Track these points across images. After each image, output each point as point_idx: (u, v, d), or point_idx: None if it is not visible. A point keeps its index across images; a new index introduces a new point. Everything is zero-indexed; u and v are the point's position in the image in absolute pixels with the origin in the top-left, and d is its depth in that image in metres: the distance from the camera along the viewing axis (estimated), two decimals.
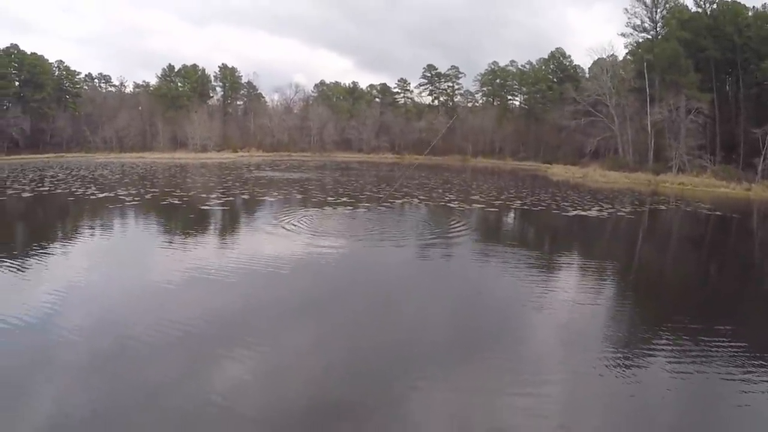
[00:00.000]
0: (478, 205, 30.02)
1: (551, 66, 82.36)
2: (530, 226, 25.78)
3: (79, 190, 37.39)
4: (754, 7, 51.32)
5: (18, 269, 15.45)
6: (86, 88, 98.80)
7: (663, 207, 31.33)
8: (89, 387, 8.24)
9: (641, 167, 48.85)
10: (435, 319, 11.69)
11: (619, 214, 27.47)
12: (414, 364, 9.24)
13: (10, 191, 36.53)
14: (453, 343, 10.23)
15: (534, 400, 7.77)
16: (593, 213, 26.97)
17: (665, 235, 24.38)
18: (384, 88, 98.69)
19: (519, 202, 32.27)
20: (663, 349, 9.48)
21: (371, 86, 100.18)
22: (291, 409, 7.85)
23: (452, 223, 24.41)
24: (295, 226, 22.87)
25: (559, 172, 54.94)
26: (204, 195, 35.00)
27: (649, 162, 49.55)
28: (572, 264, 17.28)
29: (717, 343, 9.52)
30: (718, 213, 29.28)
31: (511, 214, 28.37)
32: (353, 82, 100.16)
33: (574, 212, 27.15)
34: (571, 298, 12.77)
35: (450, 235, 21.25)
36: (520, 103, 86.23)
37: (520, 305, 12.42)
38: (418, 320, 11.61)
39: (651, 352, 9.41)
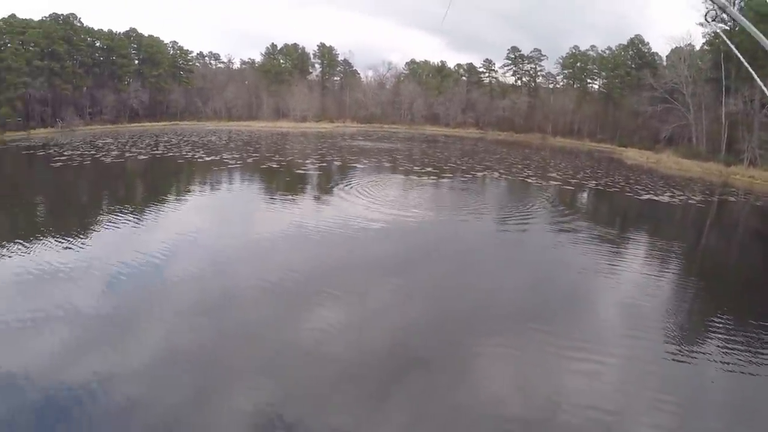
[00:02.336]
0: (555, 182, 30.79)
1: (630, 52, 79.22)
2: (603, 206, 25.89)
3: (189, 153, 40.54)
4: None
5: (135, 222, 17.50)
6: (198, 64, 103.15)
7: (732, 199, 30.56)
8: (196, 327, 9.26)
9: (713, 157, 47.51)
10: (507, 287, 12.23)
11: (689, 201, 26.63)
12: (485, 325, 9.89)
13: (128, 154, 39.84)
14: (522, 309, 10.73)
15: (593, 369, 8.18)
16: (665, 198, 26.53)
17: (733, 227, 23.47)
18: (470, 68, 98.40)
19: (594, 182, 32.30)
20: (717, 338, 9.53)
21: (458, 65, 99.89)
22: (371, 356, 8.51)
23: (529, 197, 25.15)
24: (382, 192, 23.84)
25: (633, 155, 54.08)
26: (301, 160, 37.56)
27: (722, 153, 48.19)
28: (641, 246, 17.21)
29: None
30: None
31: (586, 194, 28.52)
32: (442, 61, 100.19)
33: (647, 196, 26.79)
34: (637, 279, 13.07)
35: (526, 209, 21.71)
36: (599, 86, 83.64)
37: (588, 280, 12.93)
38: (492, 287, 12.24)
39: (706, 340, 9.56)
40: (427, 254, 14.79)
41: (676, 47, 60.85)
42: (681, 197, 27.72)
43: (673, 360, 8.58)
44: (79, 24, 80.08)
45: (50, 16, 77.08)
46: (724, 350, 9.00)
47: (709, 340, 9.55)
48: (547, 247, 16.00)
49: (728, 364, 8.53)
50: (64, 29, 76.22)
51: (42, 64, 72.07)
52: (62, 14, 78.29)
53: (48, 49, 73.51)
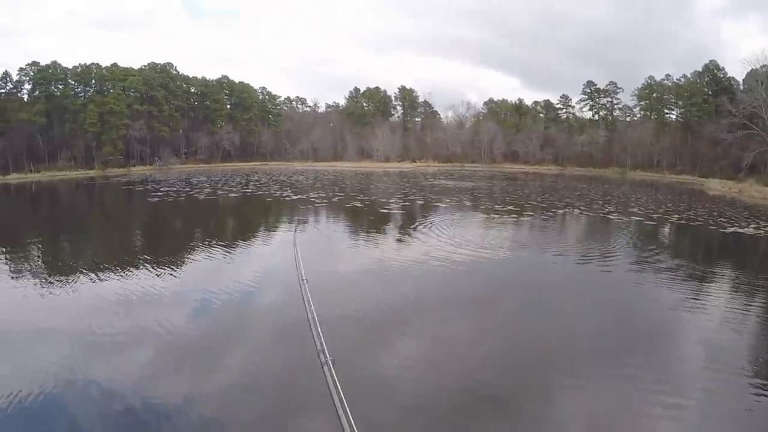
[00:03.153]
0: (637, 218, 30.14)
1: (706, 79, 77.28)
2: (687, 241, 25.49)
3: (277, 192, 43.15)
4: None
5: (224, 255, 18.90)
6: (285, 108, 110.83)
7: None
8: (276, 355, 9.64)
9: None
10: (587, 325, 11.99)
11: None
12: (563, 364, 9.59)
13: (220, 191, 42.83)
14: (602, 348, 10.58)
15: (674, 412, 7.87)
16: (750, 230, 25.89)
17: None
18: (547, 104, 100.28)
19: (676, 216, 31.46)
20: None
21: (535, 102, 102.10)
22: (446, 394, 8.40)
23: (611, 234, 25.55)
24: (463, 231, 23.96)
25: (715, 186, 52.87)
26: (384, 199, 38.77)
27: None
28: (726, 282, 16.62)
29: None
30: None
31: (668, 228, 27.96)
32: (519, 99, 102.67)
33: (732, 229, 26.26)
34: (721, 316, 12.56)
35: (608, 246, 21.65)
36: (677, 116, 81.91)
37: (669, 318, 12.53)
38: (571, 324, 11.95)
39: None
40: (507, 292, 15.01)
41: (752, 69, 59.26)
42: (767, 228, 27.08)
43: (758, 401, 8.29)
44: (175, 72, 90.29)
45: (149, 64, 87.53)
46: None
47: None
48: (629, 283, 15.82)
49: None
50: (161, 76, 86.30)
51: (141, 108, 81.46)
52: (159, 63, 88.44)
53: (147, 95, 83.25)
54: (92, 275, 15.96)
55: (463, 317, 12.65)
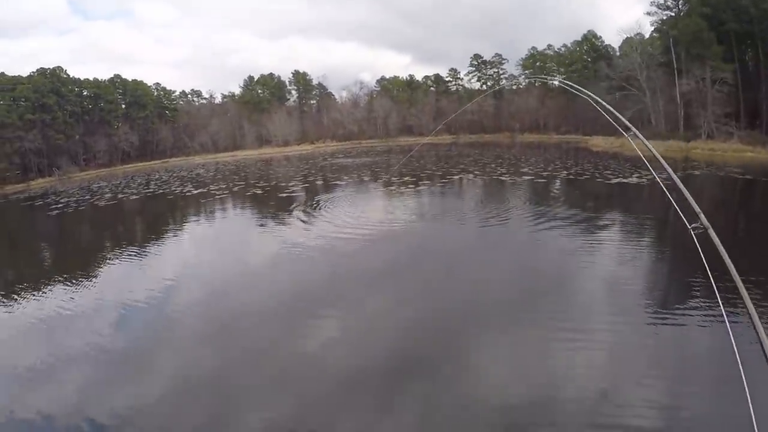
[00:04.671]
0: (528, 177, 30.68)
1: (585, 47, 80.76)
2: (576, 194, 25.65)
3: (178, 189, 40.66)
4: None
5: (136, 258, 17.97)
6: (182, 102, 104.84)
7: (697, 172, 30.27)
8: (204, 354, 9.30)
9: (673, 135, 48.54)
10: (494, 281, 12.17)
11: (656, 180, 26.34)
12: (476, 320, 9.74)
13: (120, 195, 39.90)
14: (509, 301, 10.75)
15: (584, 350, 8.13)
16: (633, 180, 26.73)
17: (698, 199, 22.95)
18: (437, 78, 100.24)
19: (565, 172, 32.42)
20: (694, 308, 9.29)
21: (426, 77, 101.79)
22: (372, 361, 8.52)
23: (505, 194, 25.11)
24: (364, 205, 23.90)
25: (598, 143, 54.75)
26: (284, 183, 37.49)
27: (680, 130, 49.59)
28: (616, 226, 17.05)
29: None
30: (748, 177, 27.58)
31: (559, 184, 28.36)
32: (410, 75, 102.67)
33: (616, 180, 27.18)
34: (615, 256, 13.11)
35: (503, 205, 21.51)
36: (559, 82, 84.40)
37: (569, 264, 12.82)
38: (482, 282, 12.05)
39: (683, 311, 9.23)
40: (413, 259, 14.74)
41: (627, 37, 62.49)
42: (648, 176, 27.55)
43: (657, 332, 8.59)
44: (65, 75, 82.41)
45: (37, 71, 79.65)
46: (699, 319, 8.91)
47: (688, 311, 9.39)
48: (529, 238, 16.09)
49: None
50: (51, 82, 78.46)
51: (34, 117, 73.96)
52: (49, 68, 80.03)
53: (38, 103, 75.45)
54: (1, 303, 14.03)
55: (377, 288, 12.50)
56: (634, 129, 3.68)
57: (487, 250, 15.18)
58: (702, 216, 2.78)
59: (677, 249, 13.59)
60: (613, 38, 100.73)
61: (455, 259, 14.37)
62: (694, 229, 2.76)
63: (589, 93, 4.51)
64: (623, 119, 3.74)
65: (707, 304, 9.21)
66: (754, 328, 2.10)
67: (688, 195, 3.01)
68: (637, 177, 27.67)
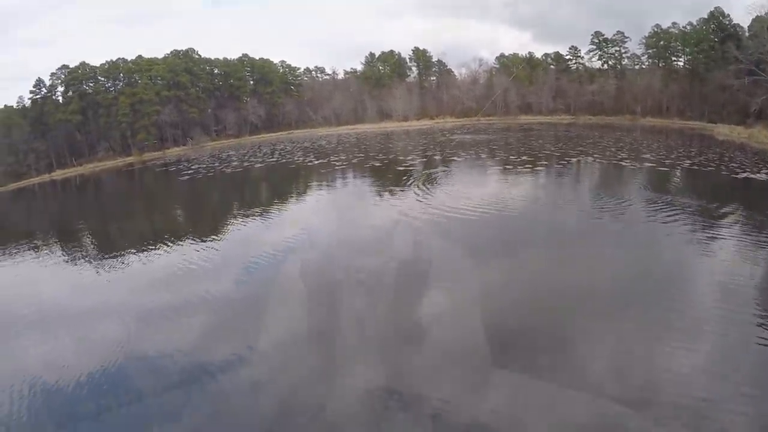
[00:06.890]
0: (649, 164, 29.46)
1: (712, 26, 74.04)
2: (701, 187, 24.31)
3: (300, 159, 43.13)
4: None
5: (259, 220, 19.29)
6: (306, 78, 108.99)
7: None
8: (315, 313, 9.57)
9: None
10: (609, 271, 12.05)
11: None
12: (582, 307, 9.64)
13: (246, 163, 43.10)
14: (619, 292, 10.58)
15: (687, 352, 7.84)
16: (762, 176, 24.70)
17: None
18: (557, 56, 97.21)
19: (688, 161, 30.59)
20: None
21: (546, 55, 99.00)
22: (476, 336, 8.37)
23: (625, 180, 24.70)
24: (481, 182, 23.94)
25: (724, 132, 51.35)
26: (402, 157, 38.32)
27: None
28: (737, 227, 15.97)
29: None
30: None
31: (682, 174, 27.06)
32: (529, 53, 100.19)
33: (743, 175, 25.17)
34: (735, 259, 12.37)
35: (623, 193, 20.98)
36: (684, 63, 78.74)
37: (688, 261, 12.51)
38: (594, 271, 11.98)
39: None
40: (527, 243, 14.77)
41: (757, 16, 56.67)
42: None
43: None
44: (197, 56, 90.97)
45: (171, 52, 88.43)
46: None
47: None
48: (647, 229, 15.60)
49: None
50: (184, 62, 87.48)
51: (169, 93, 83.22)
52: (181, 50, 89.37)
53: (173, 81, 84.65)
54: (139, 254, 16.76)
55: (488, 265, 12.58)
56: None
57: (604, 239, 14.98)
58: None
59: None
60: (742, 17, 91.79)
61: (567, 245, 14.27)
62: None
63: None
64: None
65: None
66: None
67: None
68: (766, 173, 25.58)
